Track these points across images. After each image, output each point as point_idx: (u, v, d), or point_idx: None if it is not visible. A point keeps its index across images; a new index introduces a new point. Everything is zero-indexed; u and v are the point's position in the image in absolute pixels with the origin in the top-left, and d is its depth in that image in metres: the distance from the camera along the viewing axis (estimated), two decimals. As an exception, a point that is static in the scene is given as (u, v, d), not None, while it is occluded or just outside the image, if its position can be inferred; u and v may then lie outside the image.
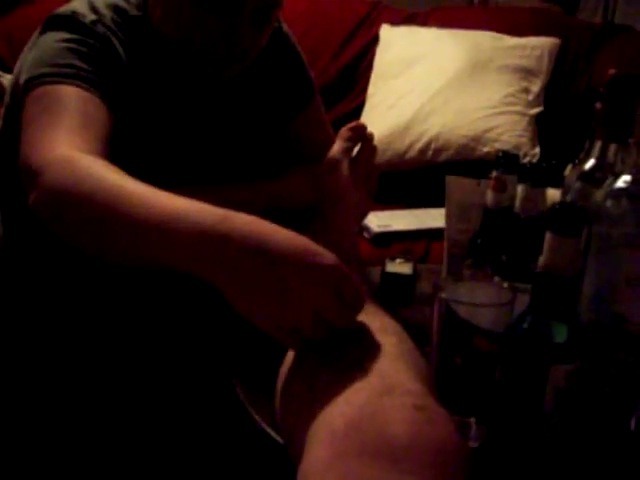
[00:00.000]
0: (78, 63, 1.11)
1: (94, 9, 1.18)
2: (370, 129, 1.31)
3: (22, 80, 1.13)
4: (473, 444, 0.87)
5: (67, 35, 1.13)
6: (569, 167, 1.21)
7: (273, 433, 0.85)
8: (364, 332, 0.83)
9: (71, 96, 1.08)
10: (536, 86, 2.39)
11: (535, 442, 0.83)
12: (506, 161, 1.16)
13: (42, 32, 1.17)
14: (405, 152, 2.29)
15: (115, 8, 1.20)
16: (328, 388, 0.73)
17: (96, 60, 1.13)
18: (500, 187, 1.15)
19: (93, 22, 1.15)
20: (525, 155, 2.20)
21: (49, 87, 1.08)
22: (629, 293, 0.90)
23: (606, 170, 1.05)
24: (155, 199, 0.87)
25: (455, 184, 1.28)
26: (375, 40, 2.59)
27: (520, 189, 1.12)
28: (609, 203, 0.95)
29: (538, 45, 2.44)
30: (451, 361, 0.87)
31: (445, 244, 1.29)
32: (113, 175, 0.92)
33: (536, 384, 0.81)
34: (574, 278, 0.83)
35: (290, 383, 0.82)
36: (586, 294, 0.93)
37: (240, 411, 0.92)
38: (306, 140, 1.41)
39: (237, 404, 0.94)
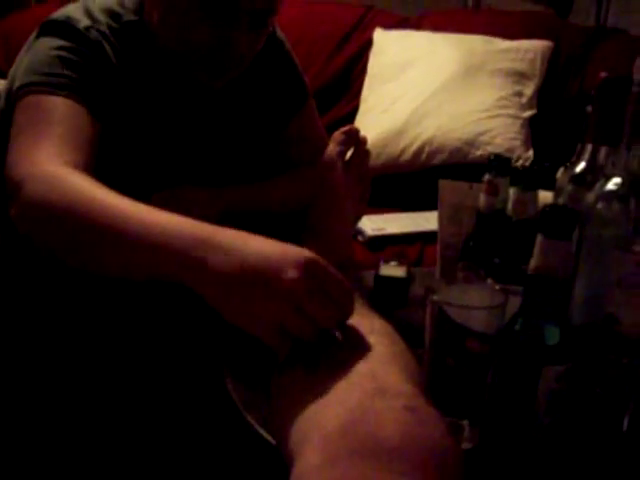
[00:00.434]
0: (68, 72, 1.12)
1: (89, 14, 1.19)
2: (364, 133, 1.31)
3: (15, 86, 1.14)
4: (466, 446, 0.87)
5: (59, 42, 1.14)
6: (561, 170, 1.22)
7: (265, 434, 0.85)
8: (356, 334, 0.83)
9: (58, 107, 1.09)
10: (529, 89, 2.39)
11: (528, 443, 0.84)
12: (498, 164, 1.17)
13: (37, 36, 1.18)
14: (399, 155, 2.29)
15: (110, 13, 1.21)
16: (320, 390, 0.74)
17: (86, 69, 1.14)
18: (492, 190, 1.16)
19: (87, 28, 1.16)
20: (518, 158, 2.21)
21: (37, 97, 1.10)
22: (620, 295, 0.90)
23: (597, 173, 1.05)
24: (137, 213, 0.89)
25: (448, 188, 1.29)
26: (369, 44, 2.60)
27: (512, 192, 1.13)
28: (600, 205, 0.96)
29: (531, 48, 2.45)
30: (444, 363, 0.87)
31: (438, 247, 1.29)
32: (95, 190, 0.93)
33: (528, 385, 0.82)
34: (565, 280, 0.84)
35: (283, 385, 0.83)
36: (578, 296, 0.94)
37: (233, 412, 0.92)
38: (300, 144, 1.42)
39: (230, 405, 0.94)
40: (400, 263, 1.36)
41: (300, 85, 1.44)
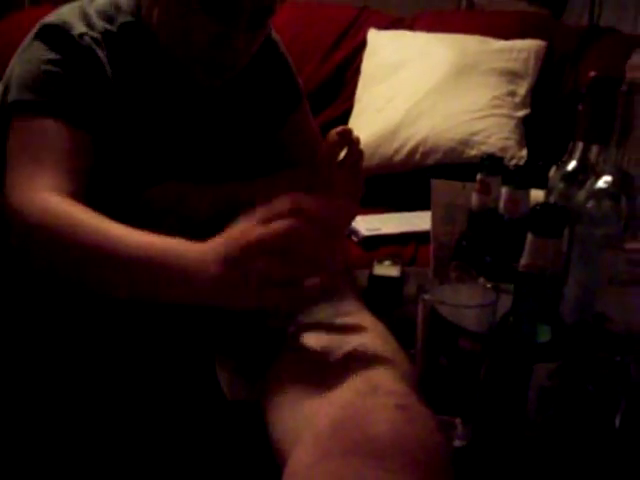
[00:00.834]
0: (58, 91, 1.13)
1: (85, 17, 1.19)
2: (358, 133, 1.32)
3: (8, 99, 1.15)
4: (459, 443, 0.88)
5: (51, 55, 1.14)
6: (553, 168, 1.22)
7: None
8: (349, 333, 0.84)
9: (48, 131, 1.12)
10: (522, 89, 2.40)
11: (519, 441, 0.84)
12: (490, 163, 1.17)
13: (33, 38, 1.17)
14: (393, 156, 2.29)
15: (106, 15, 1.21)
16: (312, 390, 0.74)
17: (77, 84, 1.14)
18: (485, 189, 1.16)
19: (81, 35, 1.16)
20: (512, 157, 2.21)
21: (28, 119, 1.12)
22: (611, 293, 0.91)
23: (588, 171, 1.06)
24: (130, 239, 0.96)
25: (440, 187, 1.29)
26: (362, 45, 2.60)
27: (504, 191, 1.13)
28: (591, 204, 0.96)
29: (524, 48, 2.45)
30: (436, 362, 0.87)
31: (431, 246, 1.30)
32: (90, 218, 0.99)
33: (520, 383, 0.82)
34: (555, 278, 0.84)
35: (278, 389, 0.83)
36: (569, 294, 0.94)
37: (224, 408, 0.93)
38: (294, 145, 1.42)
39: (221, 399, 0.94)
40: (394, 262, 1.36)
41: (294, 87, 1.44)
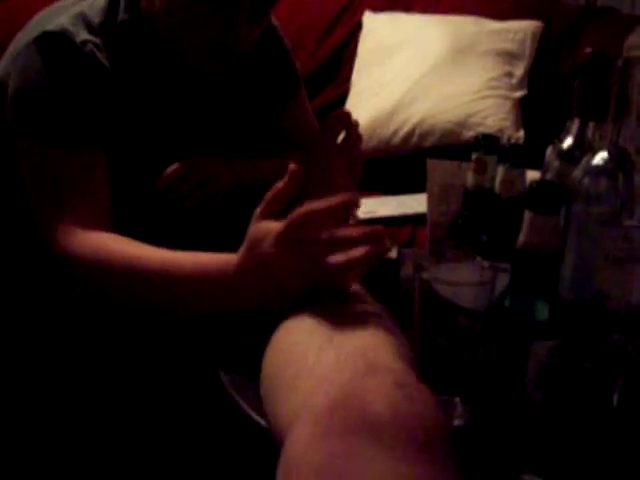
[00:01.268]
0: (66, 111, 1.14)
1: (84, 21, 1.18)
2: (355, 116, 1.32)
3: (14, 116, 1.16)
4: (459, 423, 0.87)
5: (53, 71, 1.14)
6: (550, 147, 1.21)
7: (257, 417, 0.85)
8: (347, 314, 0.83)
9: (68, 162, 1.14)
10: (519, 70, 2.38)
11: (518, 419, 0.84)
12: (486, 143, 1.17)
13: (33, 44, 1.16)
14: (390, 138, 2.29)
15: (105, 15, 1.20)
16: (311, 369, 0.74)
17: (82, 99, 1.15)
18: (480, 168, 1.16)
19: (84, 42, 1.16)
20: (509, 138, 2.21)
21: (43, 148, 1.14)
22: (608, 270, 0.90)
23: (585, 148, 1.05)
24: (185, 261, 1.02)
25: (436, 167, 1.28)
26: (358, 27, 2.59)
27: (500, 170, 1.12)
28: (587, 181, 0.96)
29: (521, 29, 2.44)
30: (435, 341, 0.87)
31: (428, 227, 1.29)
32: (132, 249, 1.07)
33: (518, 361, 0.82)
34: (553, 255, 0.83)
35: (274, 366, 0.83)
36: (566, 271, 0.94)
37: (224, 397, 0.92)
38: (291, 130, 1.42)
39: (221, 391, 0.94)
40: (390, 244, 1.35)
41: (292, 72, 1.44)
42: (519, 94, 2.34)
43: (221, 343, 1.07)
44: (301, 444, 0.64)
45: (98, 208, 1.14)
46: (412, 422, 0.64)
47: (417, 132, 2.26)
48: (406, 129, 2.27)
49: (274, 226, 0.93)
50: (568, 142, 1.08)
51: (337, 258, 0.90)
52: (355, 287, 0.93)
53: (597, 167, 0.96)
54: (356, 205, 0.94)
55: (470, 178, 1.16)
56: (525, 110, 2.33)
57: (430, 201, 1.27)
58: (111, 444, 1.19)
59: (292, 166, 0.96)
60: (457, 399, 0.88)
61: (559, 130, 1.21)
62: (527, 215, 0.81)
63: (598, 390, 0.89)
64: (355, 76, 2.49)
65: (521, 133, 2.24)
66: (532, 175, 1.15)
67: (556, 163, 1.10)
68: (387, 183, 2.19)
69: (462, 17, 2.49)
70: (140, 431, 1.18)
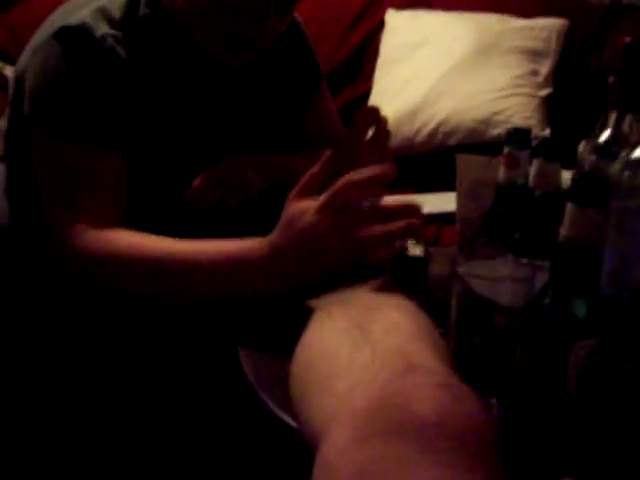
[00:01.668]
0: (84, 106, 1.13)
1: (104, 15, 1.17)
2: (379, 114, 1.29)
3: (29, 109, 1.15)
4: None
5: (72, 65, 1.13)
6: (582, 143, 1.19)
7: (284, 416, 0.82)
8: (381, 311, 0.80)
9: (81, 158, 1.13)
10: (545, 68, 2.35)
11: (558, 422, 0.80)
12: (518, 137, 1.13)
13: (53, 38, 1.15)
14: (414, 137, 2.26)
15: (126, 9, 1.19)
16: (346, 368, 0.70)
17: (102, 92, 1.14)
18: (512, 163, 1.12)
19: (103, 37, 1.15)
20: (535, 137, 2.17)
21: (58, 143, 1.13)
22: (651, 266, 0.87)
23: (621, 142, 1.02)
24: (207, 247, 1.03)
25: (466, 162, 1.25)
26: (380, 25, 2.56)
27: (534, 164, 1.09)
28: (626, 175, 0.92)
29: (546, 26, 2.40)
30: (470, 340, 0.84)
31: (457, 224, 1.26)
32: (157, 241, 1.06)
33: (559, 361, 0.78)
34: (596, 249, 0.80)
35: (305, 364, 0.79)
36: (606, 268, 0.90)
37: (250, 395, 0.89)
38: (314, 127, 1.42)
39: (246, 387, 0.91)
40: (417, 242, 1.33)
41: (315, 68, 1.43)
42: (545, 92, 2.30)
43: (240, 318, 1.05)
44: (338, 448, 0.60)
45: (111, 208, 1.13)
46: (460, 425, 0.59)
47: (441, 130, 2.23)
48: (430, 127, 2.25)
49: (312, 202, 0.94)
50: (604, 136, 1.05)
51: (377, 229, 0.92)
52: (387, 282, 0.90)
53: (637, 160, 0.92)
54: (395, 175, 0.97)
55: (502, 173, 1.12)
56: (551, 108, 2.29)
57: (459, 197, 1.23)
58: (126, 430, 1.17)
59: (328, 151, 0.98)
60: (493, 401, 0.85)
61: (585, 128, 1.19)
62: (570, 208, 0.77)
63: (638, 392, 0.86)
64: (378, 74, 2.47)
65: (547, 132, 2.21)
66: (563, 175, 1.12)
67: (592, 158, 1.06)
68: (411, 182, 2.15)
69: (485, 14, 2.46)
70: (160, 425, 1.16)
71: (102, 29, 1.15)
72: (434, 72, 2.33)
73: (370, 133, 1.25)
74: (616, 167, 0.96)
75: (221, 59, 1.21)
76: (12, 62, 2.16)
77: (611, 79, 1.07)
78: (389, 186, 1.37)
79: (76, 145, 1.12)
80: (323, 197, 0.92)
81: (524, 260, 0.87)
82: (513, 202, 1.11)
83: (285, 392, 0.81)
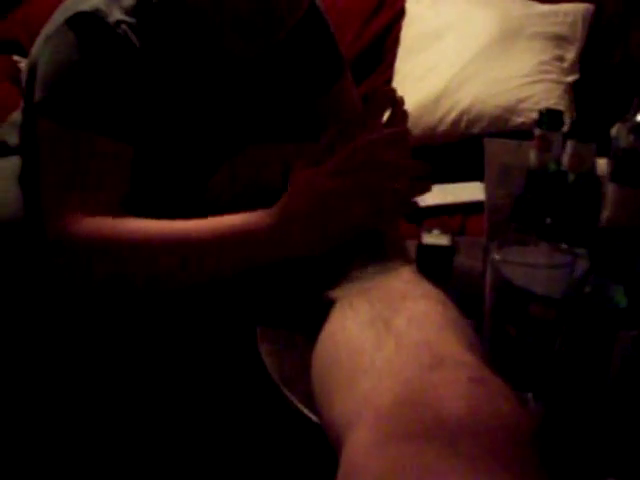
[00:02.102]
0: (96, 94, 1.10)
1: (117, 1, 1.14)
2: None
3: (39, 95, 1.12)
4: (530, 422, 0.79)
5: (86, 51, 1.10)
6: (616, 126, 1.14)
7: (307, 411, 0.77)
8: (406, 301, 0.74)
9: (87, 146, 1.10)
10: (571, 54, 2.29)
11: (600, 417, 0.75)
12: (550, 118, 1.08)
13: (65, 25, 1.12)
14: (436, 125, 2.20)
15: None
16: (370, 362, 0.64)
17: (113, 85, 1.11)
18: (545, 146, 1.07)
19: (117, 23, 1.12)
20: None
21: (63, 130, 1.10)
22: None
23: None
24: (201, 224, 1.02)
25: (495, 147, 1.20)
26: (401, 13, 2.51)
27: (569, 146, 1.04)
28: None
29: (571, 11, 2.34)
30: (505, 331, 0.78)
31: (486, 211, 1.21)
32: (150, 222, 1.04)
33: (601, 353, 0.73)
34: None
35: (327, 358, 0.74)
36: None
37: (272, 390, 0.85)
38: (337, 114, 1.37)
39: (268, 383, 0.86)
40: (443, 232, 1.28)
41: (337, 55, 1.40)
42: (571, 78, 2.24)
43: (262, 312, 1.03)
44: (362, 449, 0.55)
45: (112, 197, 1.10)
46: (495, 426, 0.53)
47: (465, 118, 2.17)
48: (453, 115, 2.19)
49: (322, 166, 0.96)
50: (640, 117, 1.00)
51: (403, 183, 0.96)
52: (411, 272, 0.85)
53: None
54: (409, 133, 1.04)
55: (533, 156, 1.07)
56: (577, 95, 2.23)
57: (488, 183, 1.19)
58: (149, 426, 1.14)
59: (334, 126, 0.99)
60: (529, 395, 0.79)
61: (612, 114, 1.14)
62: (612, 189, 0.72)
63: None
64: (399, 63, 2.41)
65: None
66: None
67: (629, 138, 1.01)
68: (433, 172, 2.10)
69: (508, 0, 2.40)
70: (179, 417, 1.13)
71: (115, 15, 1.12)
72: (457, 59, 2.27)
73: (386, 115, 1.22)
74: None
75: (234, 48, 1.18)
76: (26, 55, 2.14)
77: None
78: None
79: (83, 133, 1.09)
80: (336, 159, 0.93)
81: (563, 246, 0.82)
82: (545, 186, 1.06)
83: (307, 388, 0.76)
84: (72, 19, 1.12)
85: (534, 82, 2.19)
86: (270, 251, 0.99)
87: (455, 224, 1.87)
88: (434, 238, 1.26)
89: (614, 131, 1.15)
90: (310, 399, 0.78)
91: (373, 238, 1.00)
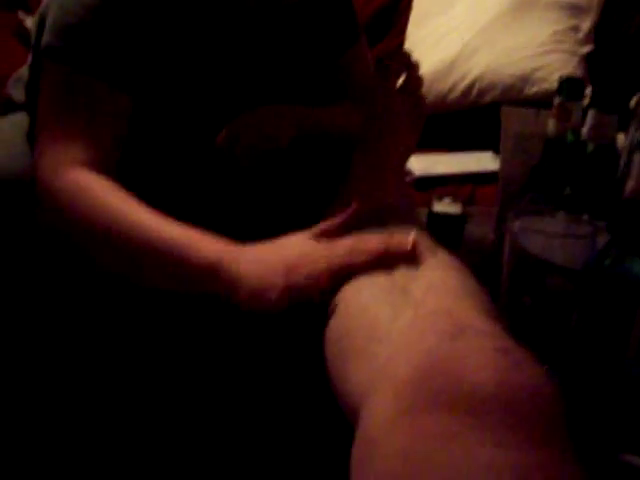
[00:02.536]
0: (102, 46, 1.08)
1: None
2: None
3: (46, 40, 1.09)
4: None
5: None
6: (635, 97, 1.11)
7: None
8: (423, 269, 0.72)
9: (88, 92, 1.08)
10: (586, 24, 2.25)
11: (617, 392, 0.73)
12: (570, 87, 1.05)
13: None
14: (447, 93, 2.17)
15: None
16: (387, 331, 0.63)
17: (122, 34, 1.09)
18: (564, 115, 1.04)
19: None
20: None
21: (66, 74, 1.08)
22: None
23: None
24: (159, 227, 0.97)
25: (512, 115, 1.17)
26: (414, -23, 2.46)
27: (589, 115, 1.01)
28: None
29: (586, -19, 2.30)
30: (520, 302, 0.76)
31: (500, 180, 1.18)
32: (115, 199, 1.01)
33: (620, 329, 0.71)
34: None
35: (342, 328, 0.72)
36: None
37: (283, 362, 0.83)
38: (352, 78, 1.36)
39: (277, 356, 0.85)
40: (454, 200, 1.26)
41: (352, 19, 1.38)
42: (586, 49, 2.20)
43: None
44: (383, 421, 0.53)
45: (103, 150, 1.07)
46: (522, 396, 0.52)
47: (477, 86, 2.14)
48: (465, 83, 2.15)
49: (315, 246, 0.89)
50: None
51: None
52: (427, 240, 0.83)
53: None
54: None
55: (551, 125, 1.05)
56: (592, 66, 2.20)
57: (504, 152, 1.16)
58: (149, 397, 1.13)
59: (355, 204, 0.92)
60: (545, 369, 0.77)
61: (628, 86, 1.11)
62: (639, 159, 0.70)
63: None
64: (410, 28, 2.37)
65: (588, 90, 2.11)
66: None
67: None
68: (444, 140, 2.08)
69: (524, -32, 2.36)
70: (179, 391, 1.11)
71: None
72: (470, 26, 2.23)
73: (401, 80, 1.19)
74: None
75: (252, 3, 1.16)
76: (31, 11, 2.13)
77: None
78: (420, 144, 1.31)
79: (87, 78, 1.07)
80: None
81: (584, 217, 0.79)
82: (563, 157, 1.03)
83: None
84: None
85: (548, 52, 2.15)
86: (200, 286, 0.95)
87: (465, 193, 1.84)
88: (445, 206, 1.25)
89: (633, 102, 1.12)
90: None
91: (386, 208, 0.98)
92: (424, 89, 1.55)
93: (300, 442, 1.00)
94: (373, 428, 0.54)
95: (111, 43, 1.08)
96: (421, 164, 1.91)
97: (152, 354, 1.13)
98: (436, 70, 2.17)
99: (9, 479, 1.16)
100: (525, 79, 2.11)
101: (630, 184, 0.71)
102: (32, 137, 1.24)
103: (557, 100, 1.05)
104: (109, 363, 1.14)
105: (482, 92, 2.14)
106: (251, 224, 1.09)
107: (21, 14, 2.41)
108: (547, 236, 0.76)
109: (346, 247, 0.82)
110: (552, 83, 2.07)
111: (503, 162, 1.16)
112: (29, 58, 1.23)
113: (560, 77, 1.09)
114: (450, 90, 2.17)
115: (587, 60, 2.19)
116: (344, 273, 0.80)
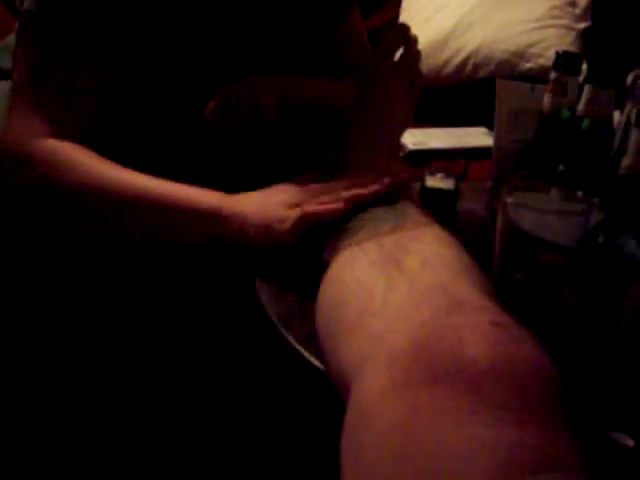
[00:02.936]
0: (81, 10, 1.05)
1: None
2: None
3: (26, 4, 1.06)
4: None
5: None
6: (631, 74, 1.10)
7: (306, 354, 0.75)
8: (418, 243, 0.71)
9: (59, 65, 1.05)
10: (583, -1, 2.24)
11: (608, 370, 0.73)
12: (567, 61, 1.04)
13: None
14: (442, 68, 2.16)
15: None
16: (382, 304, 0.62)
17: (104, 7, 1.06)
18: (560, 90, 1.03)
19: None
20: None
21: (40, 44, 1.06)
22: None
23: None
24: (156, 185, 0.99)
25: (506, 88, 1.15)
26: (409, -51, 2.44)
27: (585, 90, 1.00)
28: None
29: (583, -46, 2.28)
30: (511, 279, 0.76)
31: (494, 156, 1.17)
32: (94, 164, 1.00)
33: (612, 305, 0.71)
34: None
35: (334, 299, 0.71)
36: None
37: (270, 331, 0.82)
38: (344, 50, 1.34)
39: (267, 324, 0.84)
40: (447, 175, 1.25)
41: None
42: (582, 25, 2.19)
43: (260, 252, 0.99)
44: (374, 395, 0.52)
45: (77, 123, 1.06)
46: (519, 371, 0.51)
47: (471, 61, 2.13)
48: (460, 58, 2.14)
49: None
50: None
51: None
52: (422, 214, 0.82)
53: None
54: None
55: (547, 100, 1.03)
56: (588, 42, 2.19)
57: (498, 127, 1.15)
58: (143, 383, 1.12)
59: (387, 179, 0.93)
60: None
61: (624, 63, 1.10)
62: (637, 135, 0.69)
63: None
64: (405, 2, 2.36)
65: (584, 66, 2.09)
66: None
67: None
68: (437, 114, 2.07)
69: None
70: (172, 357, 1.11)
71: None
72: (466, 0, 2.21)
73: (398, 54, 1.18)
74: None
75: None
76: None
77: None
78: (415, 119, 1.30)
79: (62, 50, 1.05)
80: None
81: (578, 193, 0.79)
82: (558, 132, 1.02)
83: (310, 329, 0.74)
84: None
85: (544, 27, 2.14)
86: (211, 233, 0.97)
87: (457, 168, 1.84)
88: (438, 181, 1.24)
89: (629, 78, 1.11)
90: (309, 342, 0.75)
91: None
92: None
93: (299, 438, 1.00)
94: (366, 401, 0.53)
95: (92, 16, 1.05)
96: (415, 138, 1.90)
97: (151, 348, 1.12)
98: (431, 44, 2.16)
99: (9, 479, 1.15)
100: (520, 54, 2.10)
101: (625, 161, 0.70)
102: None
103: (553, 75, 1.03)
104: (107, 358, 1.13)
105: (477, 67, 2.13)
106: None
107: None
108: (540, 212, 0.75)
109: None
110: (548, 59, 2.06)
111: (497, 136, 1.15)
112: (16, 25, 1.21)
113: (557, 52, 1.07)
114: (444, 64, 2.16)
115: (584, 36, 2.18)
116: (353, 197, 0.86)
